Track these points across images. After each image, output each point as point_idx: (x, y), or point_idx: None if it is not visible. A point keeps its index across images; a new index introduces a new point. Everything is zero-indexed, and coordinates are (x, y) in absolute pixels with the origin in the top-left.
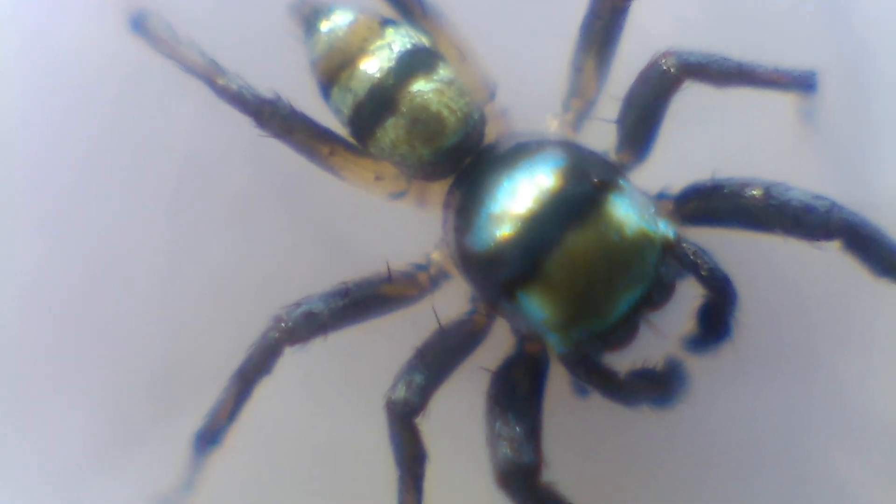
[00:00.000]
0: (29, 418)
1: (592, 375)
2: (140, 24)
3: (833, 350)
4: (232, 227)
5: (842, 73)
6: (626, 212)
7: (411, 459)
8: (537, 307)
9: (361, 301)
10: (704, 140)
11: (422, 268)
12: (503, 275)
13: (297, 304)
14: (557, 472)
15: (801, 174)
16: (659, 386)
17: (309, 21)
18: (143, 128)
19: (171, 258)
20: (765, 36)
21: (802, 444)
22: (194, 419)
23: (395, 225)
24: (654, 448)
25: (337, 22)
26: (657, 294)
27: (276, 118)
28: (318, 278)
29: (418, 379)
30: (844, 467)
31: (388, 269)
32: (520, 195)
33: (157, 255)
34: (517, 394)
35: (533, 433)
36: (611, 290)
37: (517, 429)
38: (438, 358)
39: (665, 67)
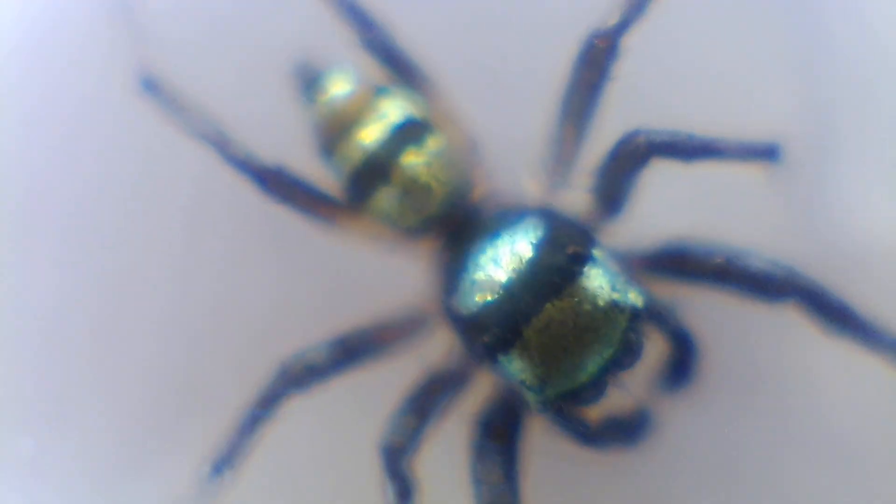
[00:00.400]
0: (59, 420)
1: (565, 427)
2: (151, 87)
3: (808, 370)
4: (246, 240)
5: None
6: (600, 283)
7: (402, 498)
8: (516, 370)
9: (359, 349)
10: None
11: (412, 314)
12: (485, 339)
13: (301, 354)
14: None
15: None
16: (627, 430)
17: (309, 87)
18: (157, 144)
19: (179, 280)
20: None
21: (782, 468)
22: (185, 446)
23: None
24: (634, 481)
25: (334, 92)
26: (624, 357)
27: (280, 186)
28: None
29: (409, 422)
30: (824, 489)
31: (386, 317)
32: (502, 264)
33: (167, 276)
34: (497, 438)
35: (511, 476)
36: (582, 354)
37: (496, 472)
38: (427, 401)
39: (633, 146)
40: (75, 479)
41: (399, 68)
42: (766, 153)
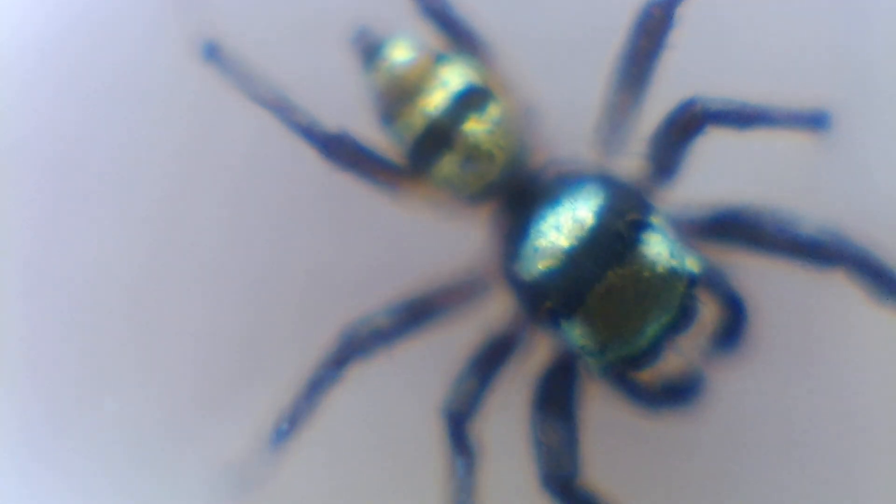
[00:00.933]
0: (71, 414)
1: (622, 389)
2: (213, 53)
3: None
4: (281, 228)
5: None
6: (658, 250)
7: (465, 463)
8: (577, 335)
9: (421, 314)
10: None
11: (470, 278)
12: (548, 304)
13: (364, 320)
14: (595, 470)
15: (814, 183)
16: (681, 393)
17: (368, 55)
18: (199, 130)
19: (228, 249)
20: (779, 72)
21: (832, 436)
22: (239, 413)
23: (444, 230)
24: (684, 444)
25: (395, 59)
26: (682, 321)
27: (342, 153)
28: (365, 277)
29: (470, 386)
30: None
31: (446, 282)
32: (564, 231)
33: (215, 245)
34: (556, 401)
35: (572, 437)
36: (642, 320)
37: (557, 435)
38: (487, 365)
39: (689, 114)
40: (126, 449)
41: (457, 35)
42: (814, 120)
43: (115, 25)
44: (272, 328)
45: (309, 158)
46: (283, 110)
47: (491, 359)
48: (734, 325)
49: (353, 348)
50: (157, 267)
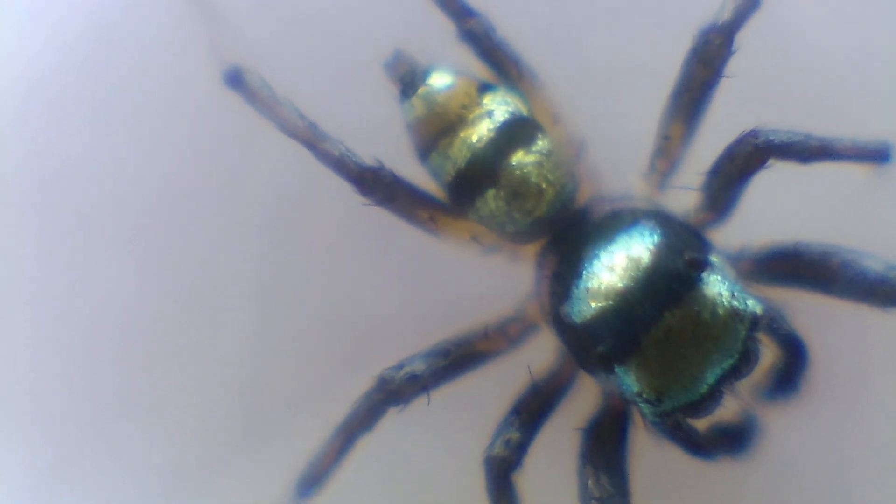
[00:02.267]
0: (109, 445)
1: (678, 437)
2: (236, 80)
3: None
4: (321, 262)
5: None
6: (719, 290)
7: None
8: (632, 381)
9: (460, 359)
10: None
11: (513, 320)
12: (601, 348)
13: (401, 366)
14: None
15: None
16: (736, 439)
17: (405, 82)
18: (233, 162)
19: (258, 288)
20: (843, 107)
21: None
22: (275, 450)
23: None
24: (735, 489)
25: (435, 86)
26: (743, 366)
27: (378, 186)
28: (405, 316)
29: (515, 436)
30: None
31: (486, 325)
32: (617, 271)
33: (244, 284)
34: (606, 452)
35: (623, 490)
36: (702, 365)
37: (608, 488)
38: (533, 413)
39: (751, 147)
40: (152, 481)
41: (501, 63)
42: (877, 154)
43: (145, 51)
44: (308, 368)
45: (341, 187)
46: (313, 141)
47: (537, 406)
48: (794, 368)
49: (388, 395)
50: (189, 298)
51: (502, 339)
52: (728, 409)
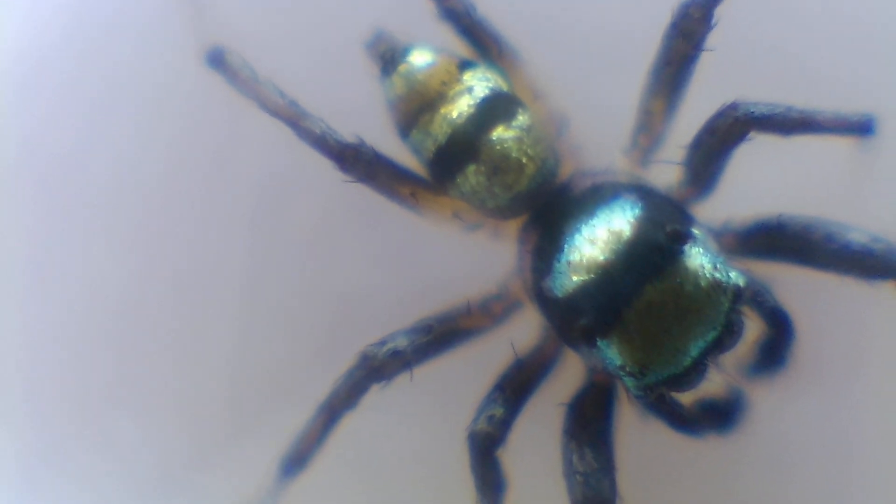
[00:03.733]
0: (100, 436)
1: (663, 412)
2: (217, 60)
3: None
4: (307, 248)
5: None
6: (701, 262)
7: (493, 489)
8: (615, 354)
9: (443, 336)
10: (763, 163)
11: (496, 298)
12: (583, 322)
13: (383, 342)
14: (632, 499)
15: (855, 197)
16: (723, 415)
17: (385, 60)
18: (220, 147)
19: (246, 277)
20: (824, 80)
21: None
22: (266, 438)
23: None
24: (724, 467)
25: (415, 64)
26: (727, 338)
27: (359, 163)
28: (391, 298)
29: (499, 412)
30: None
31: (468, 302)
32: (598, 244)
33: (232, 274)
34: (590, 427)
35: (608, 465)
36: (685, 337)
37: (592, 463)
38: (516, 389)
39: (731, 119)
40: (145, 471)
41: (482, 40)
42: (860, 126)
43: (123, 33)
44: (294, 350)
45: (325, 172)
46: (293, 119)
47: (520, 381)
48: (779, 341)
49: (370, 371)
50: (178, 288)
51: (485, 315)
52: (714, 385)
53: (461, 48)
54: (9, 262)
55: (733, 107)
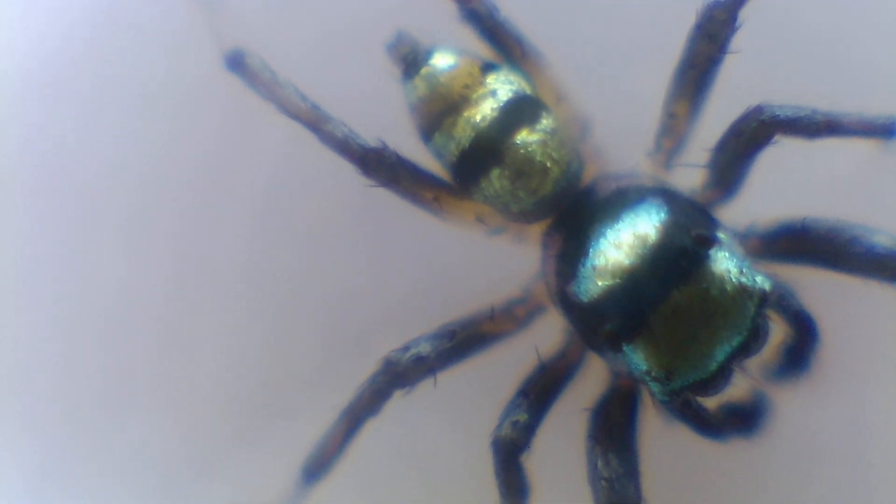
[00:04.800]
0: (121, 429)
1: (687, 416)
2: (237, 63)
3: None
4: (318, 251)
5: None
6: (727, 267)
7: (517, 495)
8: (640, 359)
9: (466, 341)
10: (787, 166)
11: (520, 302)
12: (608, 327)
13: (406, 348)
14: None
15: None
16: (747, 419)
17: (407, 62)
18: (228, 147)
19: (258, 273)
20: (848, 82)
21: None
22: (286, 430)
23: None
24: (748, 471)
25: (438, 66)
26: (753, 343)
27: (382, 167)
28: (411, 297)
29: (523, 417)
30: None
31: (492, 307)
32: (624, 248)
33: (242, 272)
34: (614, 432)
35: (633, 470)
36: (711, 342)
37: (617, 468)
38: (540, 394)
39: (756, 122)
40: (145, 478)
41: (504, 42)
42: (885, 129)
43: (142, 34)
44: (307, 355)
45: (346, 174)
46: (315, 122)
47: (544, 387)
48: (804, 345)
49: (393, 377)
50: (180, 289)
51: (509, 320)
52: (738, 389)
53: (484, 50)
54: (9, 261)
55: (759, 110)
